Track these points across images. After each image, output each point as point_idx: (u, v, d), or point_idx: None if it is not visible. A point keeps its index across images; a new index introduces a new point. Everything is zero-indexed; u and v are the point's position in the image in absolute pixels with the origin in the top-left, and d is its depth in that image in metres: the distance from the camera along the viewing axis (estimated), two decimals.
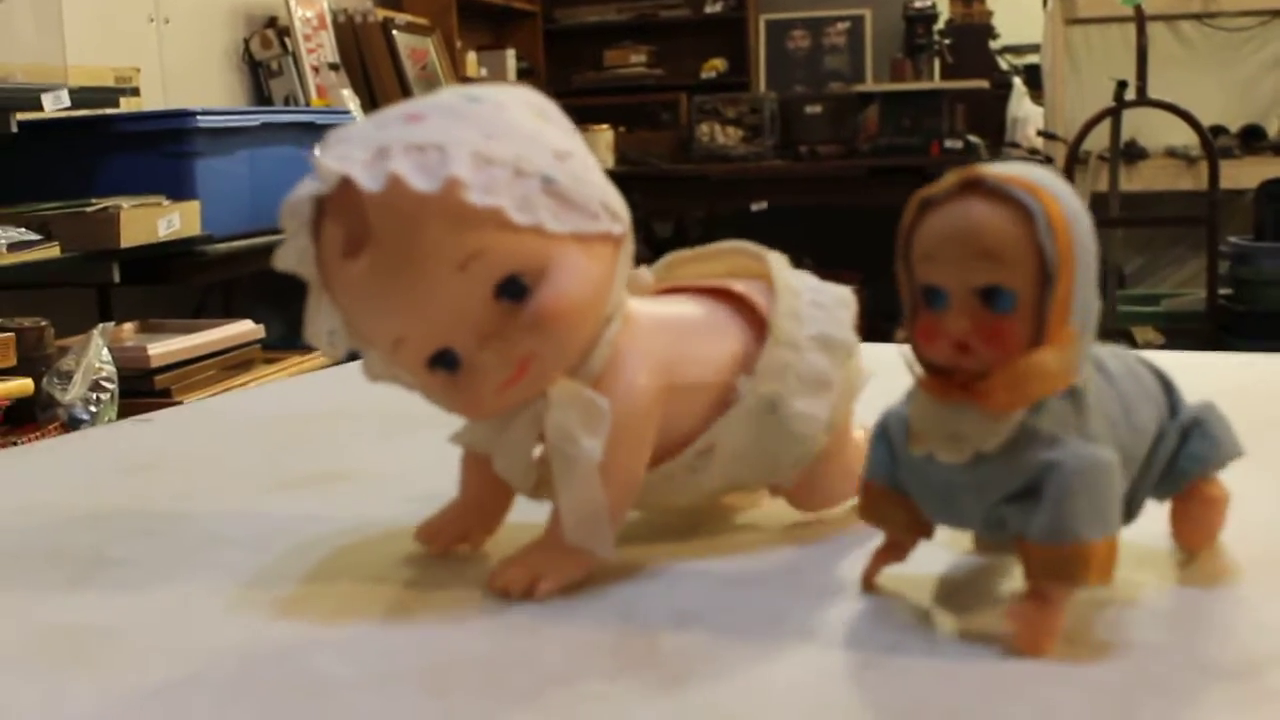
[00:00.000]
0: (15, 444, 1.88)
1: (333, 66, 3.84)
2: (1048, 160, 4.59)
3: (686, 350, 0.56)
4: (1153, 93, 3.74)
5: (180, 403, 2.06)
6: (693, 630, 0.50)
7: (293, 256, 0.51)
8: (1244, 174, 4.36)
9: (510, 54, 5.00)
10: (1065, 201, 0.44)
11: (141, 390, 2.14)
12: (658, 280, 0.61)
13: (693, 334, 0.57)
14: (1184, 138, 4.21)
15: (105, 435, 0.89)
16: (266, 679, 0.47)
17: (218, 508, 0.69)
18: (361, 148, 0.49)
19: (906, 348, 0.47)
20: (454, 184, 0.48)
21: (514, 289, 0.50)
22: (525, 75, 5.09)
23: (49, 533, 0.65)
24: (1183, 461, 0.51)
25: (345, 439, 0.80)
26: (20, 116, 2.39)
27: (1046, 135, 4.74)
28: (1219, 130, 4.30)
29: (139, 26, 3.26)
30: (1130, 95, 3.74)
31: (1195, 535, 0.54)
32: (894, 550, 0.52)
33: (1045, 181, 0.44)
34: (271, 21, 3.77)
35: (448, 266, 0.49)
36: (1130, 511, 0.50)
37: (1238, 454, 0.53)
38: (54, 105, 2.36)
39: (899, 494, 0.51)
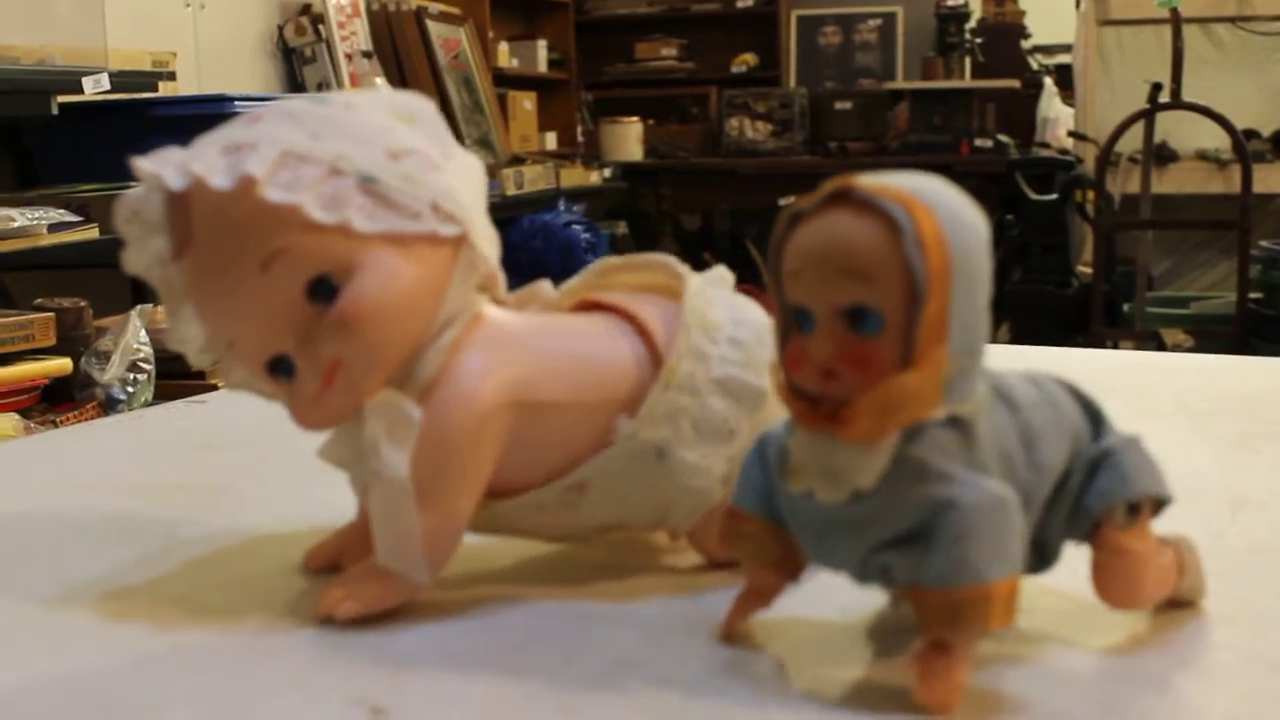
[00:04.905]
0: (54, 422, 1.90)
1: (366, 54, 3.86)
2: (1078, 161, 4.58)
3: (554, 367, 0.52)
4: (1185, 95, 3.73)
5: (215, 386, 2.08)
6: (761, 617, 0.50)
7: (141, 260, 0.50)
8: (1275, 178, 4.35)
9: (541, 45, 5.01)
10: (944, 214, 0.40)
11: (176, 372, 2.15)
12: (587, 288, 0.58)
13: (568, 351, 0.53)
14: (1215, 140, 4.20)
15: (163, 415, 0.90)
16: (347, 655, 0.48)
17: (280, 487, 0.70)
18: (188, 149, 0.48)
19: (779, 376, 0.43)
20: (249, 181, 0.46)
21: (325, 291, 0.48)
22: (556, 66, 5.10)
23: (119, 509, 0.67)
24: (1087, 498, 0.46)
25: None
26: (61, 99, 2.40)
27: (1077, 136, 4.73)
28: (1251, 134, 4.29)
29: (175, 11, 3.28)
30: (1164, 98, 3.73)
31: (1110, 590, 0.46)
32: (758, 596, 0.48)
33: (924, 193, 0.40)
34: (306, 9, 3.79)
35: (251, 267, 0.47)
36: (1044, 556, 0.46)
37: (1158, 492, 0.47)
38: (94, 88, 2.37)
39: (775, 525, 0.46)
